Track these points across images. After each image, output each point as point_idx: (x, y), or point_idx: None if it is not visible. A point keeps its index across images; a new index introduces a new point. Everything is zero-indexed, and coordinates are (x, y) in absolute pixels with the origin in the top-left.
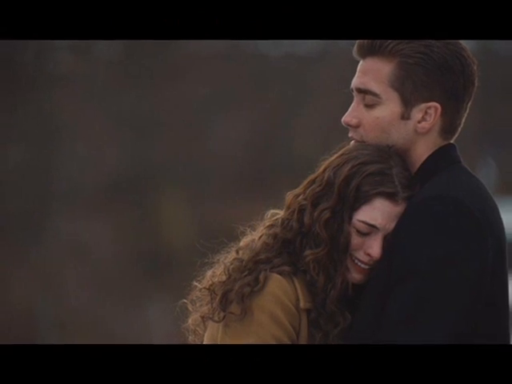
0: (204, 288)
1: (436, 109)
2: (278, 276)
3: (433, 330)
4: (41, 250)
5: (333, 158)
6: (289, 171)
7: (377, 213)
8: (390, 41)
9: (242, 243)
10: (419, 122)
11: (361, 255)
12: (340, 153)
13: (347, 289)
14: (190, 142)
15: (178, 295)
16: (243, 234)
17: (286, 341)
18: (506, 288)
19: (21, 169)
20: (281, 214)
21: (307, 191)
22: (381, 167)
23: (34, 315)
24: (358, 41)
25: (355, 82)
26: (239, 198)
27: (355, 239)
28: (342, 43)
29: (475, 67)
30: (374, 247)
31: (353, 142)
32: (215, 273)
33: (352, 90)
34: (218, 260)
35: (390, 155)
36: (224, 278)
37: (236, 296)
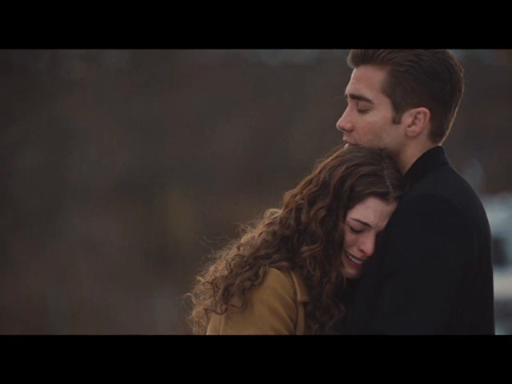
0: (207, 282)
1: (425, 114)
2: (277, 271)
3: (421, 320)
4: (55, 246)
5: (328, 160)
6: (287, 172)
7: (369, 211)
8: (381, 50)
9: (242, 240)
10: (409, 126)
11: (354, 251)
12: (335, 155)
13: (342, 283)
14: (195, 145)
15: (182, 289)
16: (244, 231)
17: (284, 332)
18: (491, 282)
19: (37, 170)
20: (279, 212)
21: (304, 191)
22: (373, 169)
23: (48, 307)
24: (352, 50)
25: (349, 88)
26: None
27: (349, 236)
28: (337, 52)
29: (462, 74)
30: (367, 244)
31: (347, 145)
32: (218, 268)
33: (346, 96)
34: (221, 256)
35: (382, 157)
36: (226, 272)
37: (237, 290)
